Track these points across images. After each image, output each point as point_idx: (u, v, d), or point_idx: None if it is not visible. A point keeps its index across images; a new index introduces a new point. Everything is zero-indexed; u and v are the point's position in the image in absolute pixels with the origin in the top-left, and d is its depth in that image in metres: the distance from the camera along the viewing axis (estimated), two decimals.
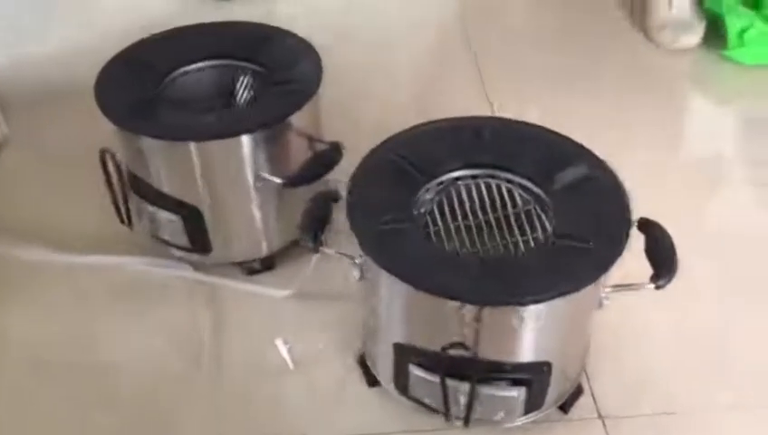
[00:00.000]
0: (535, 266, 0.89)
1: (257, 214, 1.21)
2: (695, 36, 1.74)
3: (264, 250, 1.26)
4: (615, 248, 0.89)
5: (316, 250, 1.00)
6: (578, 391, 1.09)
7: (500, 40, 1.83)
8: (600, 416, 1.09)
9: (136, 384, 1.12)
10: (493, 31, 1.87)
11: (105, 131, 1.16)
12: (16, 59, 1.72)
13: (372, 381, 1.11)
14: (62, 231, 1.32)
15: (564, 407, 1.08)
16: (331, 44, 1.27)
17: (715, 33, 1.74)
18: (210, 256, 1.24)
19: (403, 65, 1.77)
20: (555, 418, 1.07)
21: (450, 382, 0.93)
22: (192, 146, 1.12)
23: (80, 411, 1.09)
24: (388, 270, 0.89)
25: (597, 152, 1.03)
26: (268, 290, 1.24)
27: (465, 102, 1.58)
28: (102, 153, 1.15)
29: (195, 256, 1.25)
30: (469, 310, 0.88)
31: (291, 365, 1.14)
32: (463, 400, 0.95)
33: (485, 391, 0.93)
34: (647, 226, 0.96)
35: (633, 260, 0.92)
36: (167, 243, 1.24)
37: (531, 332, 0.91)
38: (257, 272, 1.27)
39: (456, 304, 0.89)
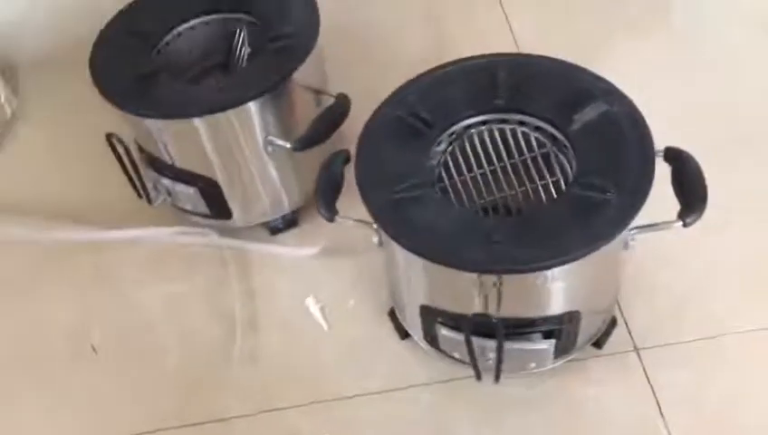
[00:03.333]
0: (554, 225, 0.86)
1: (273, 175, 1.19)
2: None
3: (285, 209, 1.25)
4: (637, 197, 0.85)
5: (331, 219, 0.99)
6: (611, 325, 1.08)
7: None
8: (635, 348, 1.08)
9: (175, 357, 1.15)
10: None
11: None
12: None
13: (404, 334, 1.11)
14: (83, 209, 1.32)
15: (599, 343, 1.07)
16: None
17: None
18: (232, 220, 1.24)
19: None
20: (590, 354, 1.07)
21: (477, 341, 0.92)
22: (197, 121, 1.09)
23: (121, 390, 1.12)
24: (404, 245, 0.87)
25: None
26: (294, 250, 1.24)
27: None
28: (108, 137, 1.13)
29: (217, 222, 1.25)
30: (489, 278, 0.87)
31: (324, 325, 1.15)
32: (492, 356, 0.95)
33: (514, 346, 0.93)
34: (673, 156, 0.91)
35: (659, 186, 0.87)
36: (188, 212, 1.24)
37: (555, 288, 0.89)
38: (281, 231, 1.27)
39: (474, 274, 0.87)
